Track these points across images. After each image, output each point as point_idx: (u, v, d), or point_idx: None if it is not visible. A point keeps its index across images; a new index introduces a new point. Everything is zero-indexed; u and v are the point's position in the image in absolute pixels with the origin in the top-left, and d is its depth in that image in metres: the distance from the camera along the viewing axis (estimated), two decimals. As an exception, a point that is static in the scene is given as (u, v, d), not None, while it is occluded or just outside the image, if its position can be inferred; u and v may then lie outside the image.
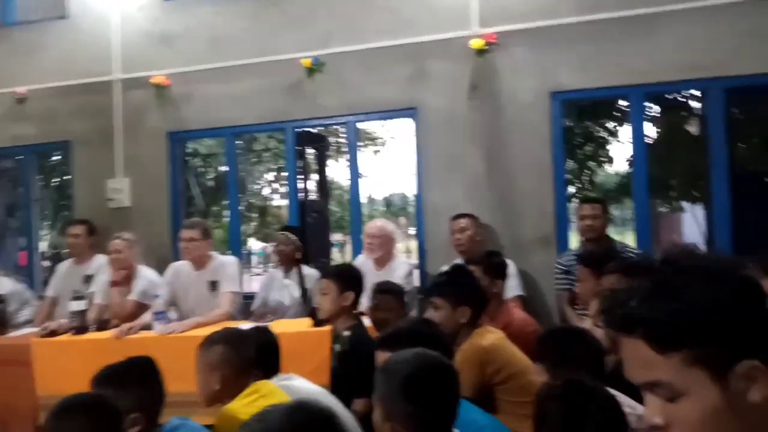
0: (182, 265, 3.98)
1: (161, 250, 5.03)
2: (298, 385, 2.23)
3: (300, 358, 2.99)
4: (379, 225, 4.33)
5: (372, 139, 16.59)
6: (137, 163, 5.24)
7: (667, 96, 6.62)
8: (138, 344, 3.33)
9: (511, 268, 4.07)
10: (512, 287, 4.02)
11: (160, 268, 4.31)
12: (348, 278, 2.95)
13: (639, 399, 1.06)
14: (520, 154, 4.46)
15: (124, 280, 4.14)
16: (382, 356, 1.80)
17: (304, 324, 3.44)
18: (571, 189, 7.79)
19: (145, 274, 4.22)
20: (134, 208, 5.23)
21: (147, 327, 3.57)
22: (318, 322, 3.24)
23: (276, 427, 1.06)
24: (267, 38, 4.96)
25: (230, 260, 4.00)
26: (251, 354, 2.11)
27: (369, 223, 4.46)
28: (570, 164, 7.31)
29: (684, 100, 6.18)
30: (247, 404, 1.90)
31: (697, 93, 5.89)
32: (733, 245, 4.06)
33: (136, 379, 1.85)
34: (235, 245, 5.19)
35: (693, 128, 6.59)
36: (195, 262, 3.89)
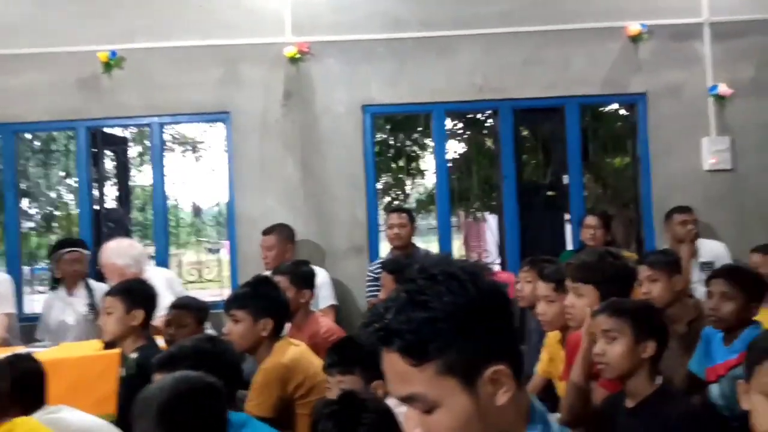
0: (-62, 285, 3.38)
1: None
2: (68, 417, 1.97)
3: (85, 386, 2.70)
4: (102, 250, 3.87)
5: (190, 144, 15.72)
6: None
7: (468, 114, 7.23)
8: None
9: (324, 277, 4.08)
10: (325, 297, 4.03)
11: None
12: (137, 295, 2.71)
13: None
14: (334, 164, 4.52)
15: None
16: (159, 379, 1.66)
17: (92, 347, 3.10)
18: (386, 200, 8.15)
19: None
20: None
21: None
22: (108, 345, 2.93)
23: None
24: (58, 27, 4.44)
25: (0, 278, 3.49)
26: (4, 388, 1.81)
27: None
28: (386, 176, 7.64)
29: (483, 117, 6.81)
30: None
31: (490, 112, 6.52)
32: (521, 252, 4.51)
33: None
34: (13, 260, 4.52)
35: (490, 144, 7.28)
36: (-47, 281, 3.32)
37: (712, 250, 4.11)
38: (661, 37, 4.54)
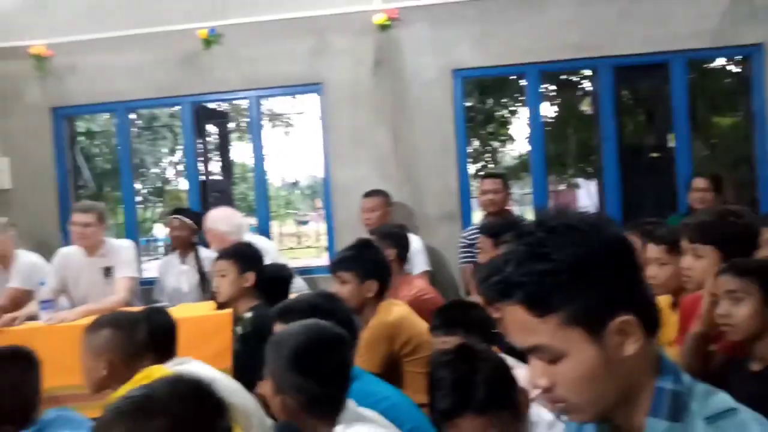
0: (72, 251, 3.71)
1: (46, 236, 4.67)
2: (195, 369, 2.13)
3: (200, 344, 2.86)
4: (205, 217, 4.01)
5: (280, 118, 16.20)
6: (17, 141, 4.79)
7: (562, 76, 6.94)
8: (23, 336, 3.06)
9: (418, 243, 4.12)
10: (419, 263, 4.07)
11: (45, 254, 4.00)
12: (247, 258, 2.86)
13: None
14: (424, 131, 4.51)
15: (1, 266, 3.83)
16: (279, 329, 1.77)
17: (206, 308, 3.31)
18: (476, 166, 8.04)
19: (26, 258, 3.91)
20: (15, 190, 4.79)
21: (33, 317, 3.30)
22: (220, 306, 3.13)
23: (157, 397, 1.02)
24: (155, 7, 4.66)
25: (125, 244, 3.78)
26: (142, 337, 1.99)
27: None
28: (475, 143, 7.53)
29: (578, 79, 6.53)
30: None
31: (589, 72, 6.24)
32: (622, 216, 4.33)
33: (13, 370, 1.71)
34: (131, 230, 4.90)
35: (586, 106, 6.97)
36: (88, 247, 3.63)
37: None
38: (780, -21, 4.14)
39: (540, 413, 1.47)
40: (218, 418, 1.06)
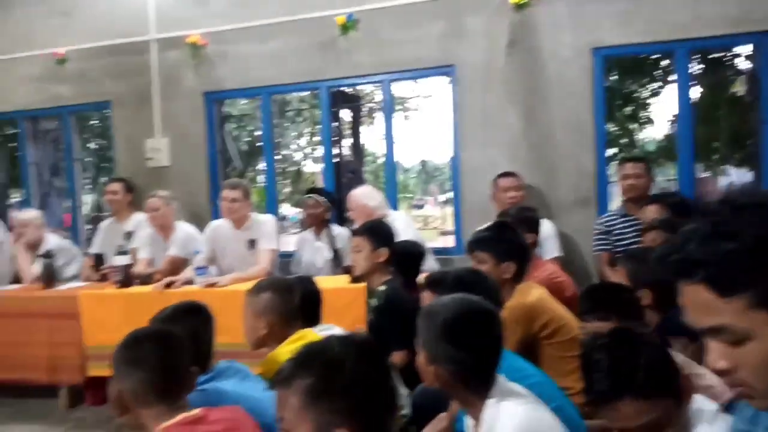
0: (221, 224, 4.05)
1: (198, 209, 5.12)
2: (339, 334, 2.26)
3: (337, 314, 3.01)
4: (351, 195, 4.16)
5: (402, 104, 16.38)
6: (175, 123, 5.29)
7: (709, 55, 6.36)
8: (181, 297, 3.39)
9: (550, 228, 4.03)
10: (550, 249, 3.99)
11: (197, 226, 4.41)
12: (381, 235, 2.97)
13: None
14: (559, 113, 4.37)
15: (162, 235, 4.26)
16: (427, 297, 1.83)
17: (341, 281, 3.48)
18: (611, 151, 7.64)
19: (184, 229, 4.32)
20: (173, 167, 5.30)
21: (189, 282, 3.66)
22: (354, 279, 3.27)
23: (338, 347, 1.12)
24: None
25: (268, 218, 4.05)
26: (296, 302, 2.15)
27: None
28: (609, 125, 7.14)
29: (728, 58, 5.92)
30: (293, 350, 1.93)
31: (740, 51, 5.65)
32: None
33: (194, 321, 1.93)
34: (271, 207, 5.24)
35: (737, 88, 6.34)
36: (235, 221, 3.95)
37: None
38: None
39: (703, 403, 1.40)
40: (389, 376, 1.13)
